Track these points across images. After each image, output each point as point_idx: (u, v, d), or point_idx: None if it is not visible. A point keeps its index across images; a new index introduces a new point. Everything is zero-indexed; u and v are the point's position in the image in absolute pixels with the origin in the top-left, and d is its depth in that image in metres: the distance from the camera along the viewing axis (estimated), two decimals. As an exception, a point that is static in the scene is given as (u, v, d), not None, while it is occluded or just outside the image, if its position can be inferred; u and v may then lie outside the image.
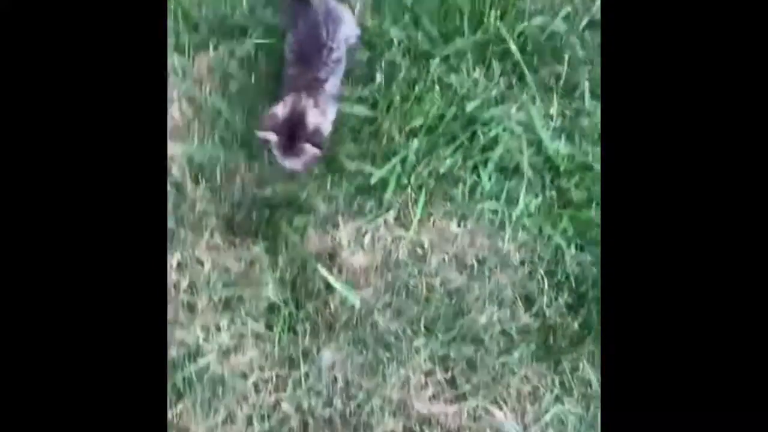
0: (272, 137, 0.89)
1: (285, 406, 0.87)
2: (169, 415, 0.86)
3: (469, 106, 1.01)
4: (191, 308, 0.91)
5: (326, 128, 0.93)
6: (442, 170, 0.99)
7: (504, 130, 1.00)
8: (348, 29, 1.01)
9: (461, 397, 0.89)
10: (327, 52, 0.95)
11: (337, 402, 0.88)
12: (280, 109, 0.91)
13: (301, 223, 0.96)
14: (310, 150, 0.89)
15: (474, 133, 1.01)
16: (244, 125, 0.99)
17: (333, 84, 0.95)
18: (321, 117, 0.91)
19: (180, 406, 0.87)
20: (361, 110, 1.01)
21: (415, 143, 0.99)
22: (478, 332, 0.92)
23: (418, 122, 1.00)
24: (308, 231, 0.95)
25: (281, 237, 0.94)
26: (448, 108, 1.01)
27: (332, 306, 0.92)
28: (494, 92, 1.03)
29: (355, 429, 0.87)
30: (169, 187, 0.94)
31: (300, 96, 0.91)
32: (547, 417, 0.88)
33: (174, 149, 0.96)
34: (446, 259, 0.95)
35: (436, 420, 0.88)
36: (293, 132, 0.89)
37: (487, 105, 1.02)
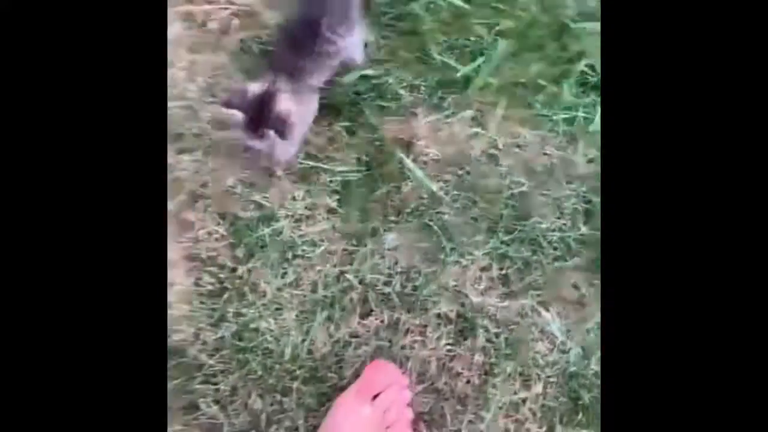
0: (237, 114, 0.82)
1: (349, 277, 0.93)
2: (240, 271, 0.92)
3: (561, 15, 1.00)
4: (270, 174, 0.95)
5: (299, 119, 0.85)
6: (525, 76, 0.99)
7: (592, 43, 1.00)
8: (353, 43, 0.91)
9: (512, 295, 0.94)
10: (320, 42, 0.84)
11: (397, 282, 0.93)
12: (252, 87, 0.83)
13: (382, 109, 0.97)
14: (273, 137, 0.82)
15: (562, 44, 1.01)
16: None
17: (318, 78, 0.87)
18: (293, 106, 0.83)
19: (251, 263, 0.93)
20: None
21: (502, 44, 0.99)
22: (537, 236, 0.96)
23: (508, 24, 1.00)
24: (389, 117, 0.97)
25: (362, 118, 0.97)
26: (541, 14, 1.00)
27: (403, 192, 0.96)
28: (590, 4, 1.01)
29: (410, 308, 0.93)
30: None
31: (277, 79, 0.83)
32: (590, 324, 0.94)
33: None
34: (517, 163, 0.98)
35: (487, 312, 0.93)
36: (259, 114, 0.82)
37: (579, 17, 1.01)
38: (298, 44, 0.84)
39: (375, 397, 0.87)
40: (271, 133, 0.82)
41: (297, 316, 0.92)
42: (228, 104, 0.83)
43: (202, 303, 0.92)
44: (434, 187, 0.95)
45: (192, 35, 0.99)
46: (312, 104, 0.89)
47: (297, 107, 0.84)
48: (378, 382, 0.88)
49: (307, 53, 0.84)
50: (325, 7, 0.84)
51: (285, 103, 0.83)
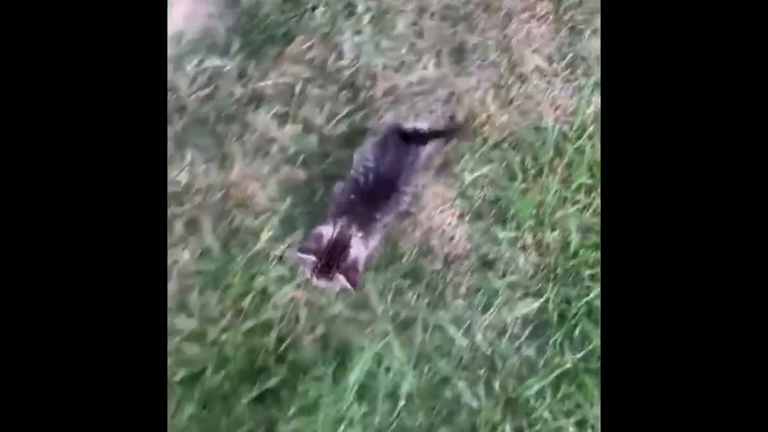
0: (311, 259, 0.83)
1: None
2: None
3: None
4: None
5: (365, 258, 0.87)
6: None
7: None
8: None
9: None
10: (396, 196, 0.88)
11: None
12: (327, 231, 0.84)
13: None
14: (343, 282, 0.84)
15: None
16: None
17: (387, 218, 0.90)
18: (364, 249, 0.86)
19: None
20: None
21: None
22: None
23: None
24: None
25: None
26: None
27: None
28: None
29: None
30: None
31: (351, 225, 0.85)
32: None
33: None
34: None
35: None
36: (332, 258, 0.83)
37: None
38: (375, 200, 0.87)
39: None
40: (341, 277, 0.83)
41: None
42: (304, 250, 0.83)
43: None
44: None
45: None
46: (378, 238, 0.90)
47: (365, 251, 0.86)
48: None
49: (383, 207, 0.88)
50: (400, 166, 0.89)
51: (357, 248, 0.84)
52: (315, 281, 0.84)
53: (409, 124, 0.94)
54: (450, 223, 0.97)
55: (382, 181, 0.88)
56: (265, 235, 0.95)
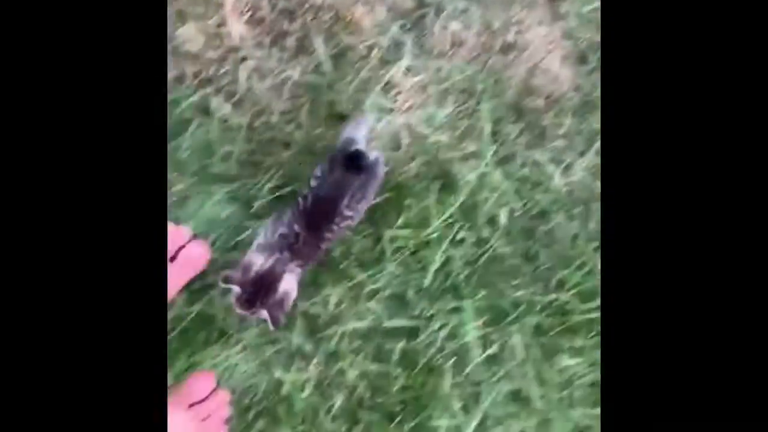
0: (235, 290, 0.78)
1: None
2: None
3: None
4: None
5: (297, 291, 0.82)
6: None
7: None
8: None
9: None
10: (340, 219, 0.80)
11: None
12: (258, 261, 0.78)
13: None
14: (266, 318, 0.79)
15: None
16: None
17: (328, 244, 0.83)
18: (295, 285, 0.80)
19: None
20: None
21: None
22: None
23: None
24: None
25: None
26: None
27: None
28: None
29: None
30: None
31: (286, 254, 0.79)
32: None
33: None
34: None
35: None
36: (257, 292, 0.77)
37: None
38: (315, 225, 0.79)
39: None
40: (264, 312, 0.78)
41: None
42: (228, 280, 0.78)
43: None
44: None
45: None
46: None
47: (298, 284, 0.80)
48: (198, 392, 0.83)
49: (323, 233, 0.79)
50: (344, 190, 0.79)
51: (289, 283, 0.78)
52: (237, 310, 0.79)
53: (361, 147, 0.82)
54: (554, 64, 0.97)
55: (323, 205, 0.79)
56: (374, 58, 0.95)
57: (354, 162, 0.80)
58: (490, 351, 0.90)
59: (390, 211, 0.91)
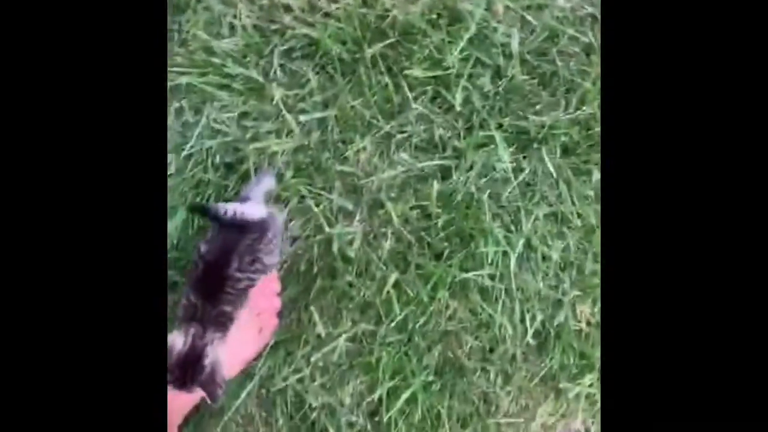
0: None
1: None
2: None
3: None
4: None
5: (225, 361, 0.77)
6: None
7: None
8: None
9: None
10: (233, 283, 0.75)
11: None
12: (178, 342, 0.74)
13: None
14: (204, 396, 0.75)
15: None
16: None
17: (242, 302, 0.78)
18: (223, 350, 0.76)
19: None
20: None
21: None
22: None
23: None
24: None
25: None
26: None
27: None
28: None
29: None
30: None
31: (201, 327, 0.74)
32: None
33: None
34: None
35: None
36: (186, 372, 0.73)
37: None
38: (211, 293, 0.74)
39: None
40: (200, 391, 0.74)
41: None
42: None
43: None
44: None
45: None
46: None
47: (228, 347, 0.76)
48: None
49: (223, 299, 0.74)
50: (232, 252, 0.74)
51: (213, 355, 0.74)
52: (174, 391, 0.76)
53: (230, 208, 0.75)
54: None
55: (211, 270, 0.75)
56: None
57: (234, 223, 0.74)
58: (522, 177, 0.92)
59: (402, 55, 0.91)
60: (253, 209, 0.76)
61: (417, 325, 0.91)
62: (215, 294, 0.74)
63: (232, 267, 0.74)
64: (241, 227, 0.75)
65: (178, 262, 0.87)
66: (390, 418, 0.90)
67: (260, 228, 0.75)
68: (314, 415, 0.90)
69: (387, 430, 0.90)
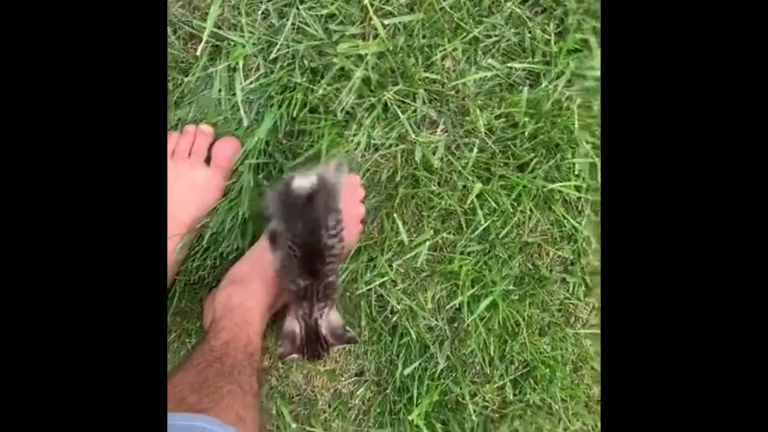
0: (294, 357, 0.80)
1: None
2: None
3: None
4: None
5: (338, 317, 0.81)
6: None
7: None
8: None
9: None
10: (329, 251, 0.76)
11: None
12: (294, 327, 0.78)
13: None
14: (335, 348, 0.81)
15: None
16: None
17: (335, 265, 0.79)
18: (335, 316, 0.79)
19: None
20: None
21: None
22: None
23: None
24: None
25: None
26: None
27: None
28: None
29: None
30: None
31: (312, 307, 0.77)
32: None
33: None
34: None
35: None
36: (313, 347, 0.78)
37: None
38: (314, 267, 0.76)
39: None
40: (334, 348, 0.80)
41: None
42: (285, 354, 0.79)
43: None
44: None
45: None
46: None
47: (335, 315, 0.80)
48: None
49: (324, 265, 0.76)
50: (316, 225, 0.75)
51: (326, 322, 0.78)
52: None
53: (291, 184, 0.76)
54: None
55: (309, 251, 0.76)
56: None
57: (299, 200, 0.76)
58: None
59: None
60: (302, 181, 0.77)
61: (499, 235, 0.91)
62: (319, 270, 0.77)
63: (323, 239, 0.76)
64: (308, 199, 0.76)
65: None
66: (469, 324, 0.92)
67: (321, 188, 0.77)
68: (395, 318, 0.93)
69: (466, 335, 0.93)
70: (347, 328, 0.80)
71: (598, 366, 0.97)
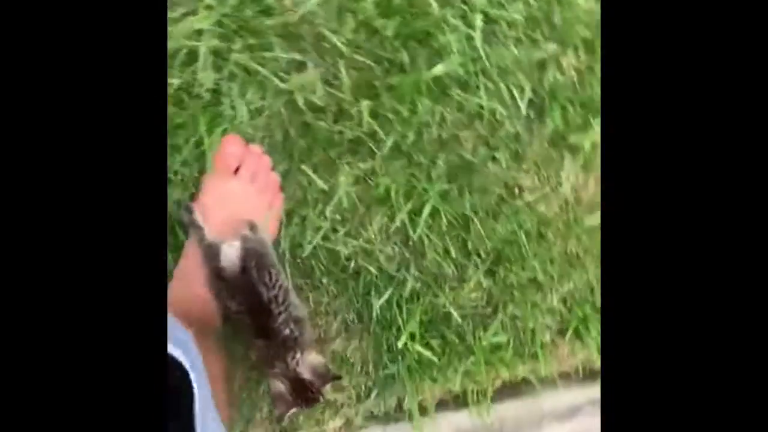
0: (294, 412, 0.80)
1: None
2: None
3: None
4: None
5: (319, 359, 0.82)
6: None
7: None
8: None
9: None
10: (275, 304, 0.77)
11: None
12: (280, 388, 0.79)
13: None
14: (328, 389, 0.81)
15: None
16: None
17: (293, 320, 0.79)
18: (315, 356, 0.80)
19: None
20: None
21: None
22: None
23: None
24: None
25: None
26: None
27: None
28: None
29: None
30: None
31: (285, 360, 0.78)
32: None
33: None
34: None
35: None
36: (305, 396, 0.79)
37: None
38: (266, 330, 0.77)
39: (236, 171, 0.84)
40: (324, 390, 0.80)
41: None
42: (282, 418, 0.81)
43: None
44: None
45: None
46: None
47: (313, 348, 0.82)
48: (234, 154, 0.84)
49: (281, 324, 0.77)
50: (249, 279, 0.77)
51: (305, 366, 0.79)
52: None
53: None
54: None
55: (253, 307, 0.77)
56: None
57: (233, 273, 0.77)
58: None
59: None
60: (229, 251, 0.77)
61: (410, 142, 0.89)
62: (272, 328, 0.77)
63: (264, 296, 0.77)
64: (242, 270, 0.77)
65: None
66: (421, 236, 0.91)
67: (249, 252, 0.77)
68: (352, 263, 0.91)
69: (422, 247, 0.92)
70: (328, 366, 0.81)
71: (562, 225, 0.96)
